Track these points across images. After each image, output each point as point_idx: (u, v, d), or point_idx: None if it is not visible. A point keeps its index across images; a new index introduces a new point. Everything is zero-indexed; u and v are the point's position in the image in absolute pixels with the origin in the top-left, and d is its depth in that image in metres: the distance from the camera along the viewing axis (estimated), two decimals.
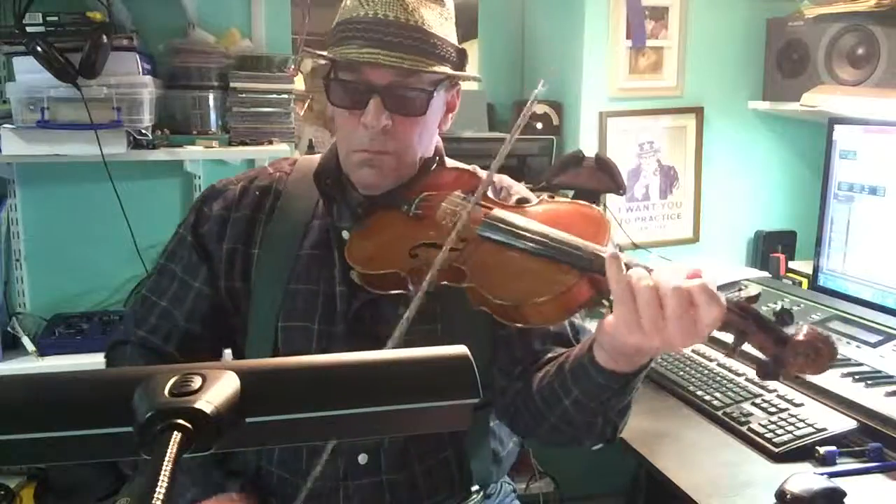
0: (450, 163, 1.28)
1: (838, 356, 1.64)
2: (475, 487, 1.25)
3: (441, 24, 1.12)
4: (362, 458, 1.16)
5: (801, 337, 0.91)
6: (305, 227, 1.21)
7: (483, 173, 1.28)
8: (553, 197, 1.16)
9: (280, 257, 1.20)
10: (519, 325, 1.00)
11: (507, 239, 1.04)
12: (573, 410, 1.05)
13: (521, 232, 1.03)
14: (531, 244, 1.01)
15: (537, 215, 1.08)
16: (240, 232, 1.21)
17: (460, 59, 1.15)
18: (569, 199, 1.15)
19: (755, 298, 0.95)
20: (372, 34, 1.07)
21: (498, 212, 1.08)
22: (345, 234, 1.18)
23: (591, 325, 1.14)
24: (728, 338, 0.94)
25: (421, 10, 1.09)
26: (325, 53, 1.13)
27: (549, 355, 1.15)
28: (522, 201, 1.24)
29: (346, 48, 1.09)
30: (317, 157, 1.27)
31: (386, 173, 1.15)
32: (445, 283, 1.03)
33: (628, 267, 0.93)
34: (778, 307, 0.97)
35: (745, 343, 0.93)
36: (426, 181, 1.19)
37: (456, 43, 1.15)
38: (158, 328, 1.22)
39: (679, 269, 0.91)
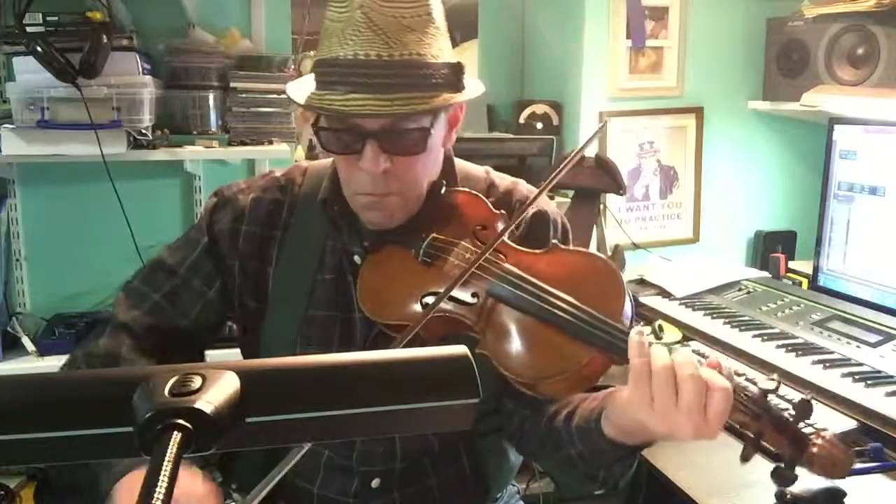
0: (460, 167, 1.22)
1: (840, 357, 1.64)
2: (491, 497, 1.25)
3: (429, 44, 1.02)
4: (375, 483, 1.15)
5: (816, 449, 0.88)
6: (322, 248, 1.16)
7: (496, 177, 1.23)
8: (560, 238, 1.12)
9: (297, 280, 1.16)
10: (530, 393, 0.98)
11: (520, 303, 0.99)
12: (576, 460, 1.04)
13: (535, 301, 0.98)
14: (547, 315, 0.97)
15: (551, 269, 1.03)
16: (253, 249, 1.17)
17: (456, 76, 1.05)
18: (583, 251, 1.09)
19: (773, 391, 0.91)
20: (355, 78, 0.98)
21: (509, 268, 1.03)
22: (357, 259, 1.15)
23: None
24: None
25: (404, 38, 0.99)
26: (309, 104, 1.06)
27: None
28: (539, 217, 1.18)
29: (331, 95, 1.00)
30: (327, 166, 1.20)
31: (394, 212, 1.10)
32: (464, 333, 1.00)
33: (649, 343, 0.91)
34: (798, 399, 0.94)
35: (762, 443, 0.90)
36: (434, 212, 1.13)
37: (449, 55, 1.06)
38: (143, 320, 1.16)
39: (692, 357, 0.89)
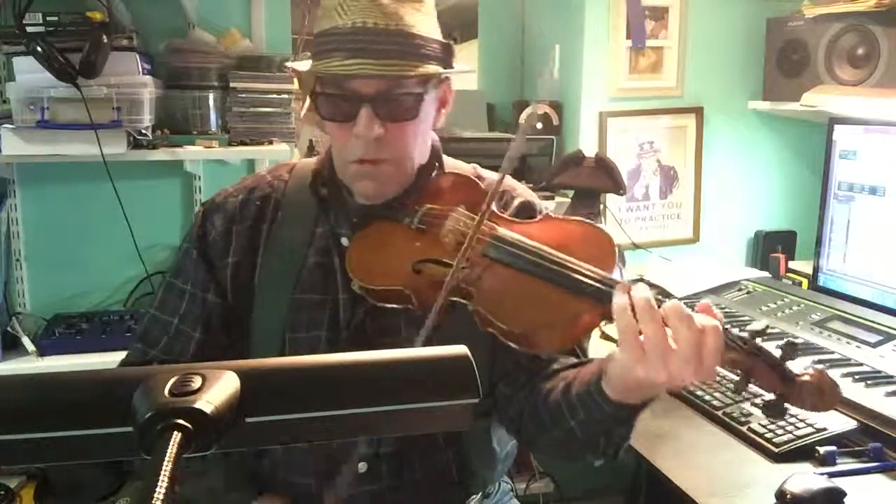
0: (448, 163, 1.26)
1: (840, 357, 1.64)
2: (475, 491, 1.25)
3: (422, 21, 1.09)
4: (361, 467, 1.16)
5: (806, 377, 0.92)
6: (310, 234, 1.19)
7: (484, 173, 1.27)
8: (552, 216, 1.16)
9: (285, 265, 1.18)
10: (525, 349, 1.00)
11: (513, 261, 1.02)
12: (578, 430, 1.05)
13: (528, 256, 1.02)
14: (539, 269, 1.00)
15: (543, 234, 1.06)
16: (244, 244, 1.19)
17: (446, 55, 1.12)
18: (574, 218, 1.11)
19: (762, 333, 0.95)
20: (353, 44, 1.05)
21: (504, 231, 1.06)
22: (344, 241, 1.17)
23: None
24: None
25: (399, 11, 1.06)
26: (307, 70, 1.10)
27: (555, 366, 1.14)
28: (526, 205, 1.22)
29: (329, 61, 1.06)
30: (313, 162, 1.25)
31: (386, 182, 1.14)
32: (453, 299, 1.02)
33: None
34: (784, 340, 0.98)
35: (752, 380, 0.94)
36: (426, 190, 1.17)
37: (439, 37, 1.12)
38: (172, 348, 1.19)
39: (681, 306, 0.91)
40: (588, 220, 1.10)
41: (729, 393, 1.56)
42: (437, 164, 1.23)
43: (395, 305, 1.07)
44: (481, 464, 1.25)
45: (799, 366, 0.95)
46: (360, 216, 1.17)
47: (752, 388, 1.55)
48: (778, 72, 2.35)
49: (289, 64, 1.19)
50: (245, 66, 2.12)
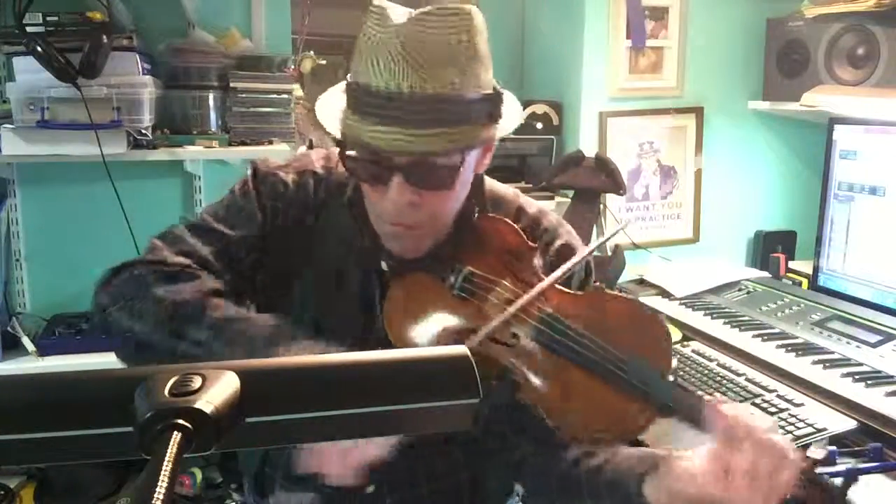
0: (489, 189, 1.16)
1: (840, 357, 1.64)
2: None
3: (468, 75, 0.95)
4: (368, 488, 1.11)
5: None
6: (349, 245, 1.11)
7: (525, 201, 1.18)
8: (600, 286, 1.05)
9: (323, 274, 1.11)
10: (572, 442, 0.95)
11: (566, 352, 0.94)
12: None
13: (585, 352, 0.93)
14: (598, 368, 0.92)
15: (591, 314, 0.97)
16: (287, 233, 1.12)
17: (493, 107, 1.00)
18: (626, 297, 1.03)
19: (823, 461, 0.91)
20: (387, 111, 0.93)
21: (552, 315, 0.97)
22: (384, 265, 1.10)
23: None
24: None
25: (441, 70, 0.93)
26: (342, 133, 1.01)
27: None
28: (566, 249, 1.12)
29: (361, 125, 0.96)
30: None
31: (420, 242, 1.06)
32: (502, 372, 0.97)
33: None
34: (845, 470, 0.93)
35: None
36: (466, 241, 1.08)
37: (486, 82, 0.99)
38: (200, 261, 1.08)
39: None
40: (641, 302, 1.03)
41: (730, 393, 1.56)
42: (476, 199, 1.11)
43: None
44: (497, 494, 1.22)
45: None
46: (397, 260, 1.08)
47: (752, 388, 1.56)
48: (778, 72, 2.35)
49: (318, 116, 1.08)
50: (245, 66, 2.12)
